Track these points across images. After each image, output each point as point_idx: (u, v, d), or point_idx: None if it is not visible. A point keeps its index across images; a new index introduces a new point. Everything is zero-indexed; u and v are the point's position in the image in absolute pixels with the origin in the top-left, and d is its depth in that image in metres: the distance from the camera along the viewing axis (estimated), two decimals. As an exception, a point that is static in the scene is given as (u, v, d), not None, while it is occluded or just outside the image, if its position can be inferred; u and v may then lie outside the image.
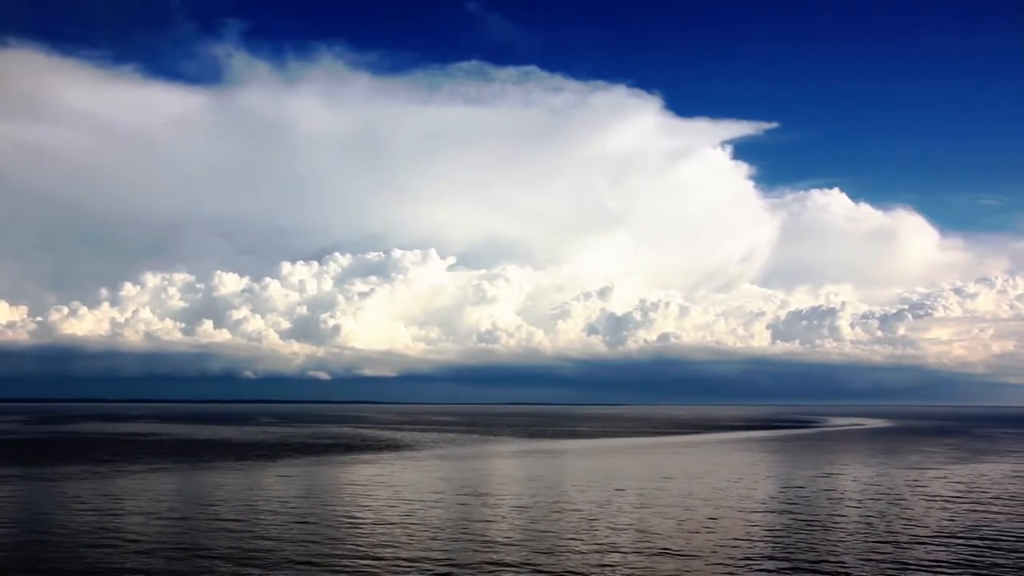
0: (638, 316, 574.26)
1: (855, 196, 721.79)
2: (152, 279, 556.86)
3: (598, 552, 28.71)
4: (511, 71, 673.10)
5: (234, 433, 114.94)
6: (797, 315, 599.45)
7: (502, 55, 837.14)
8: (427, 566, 26.42)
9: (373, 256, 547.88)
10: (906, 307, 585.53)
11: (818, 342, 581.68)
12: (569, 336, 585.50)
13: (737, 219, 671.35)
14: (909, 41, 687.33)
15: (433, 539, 31.02)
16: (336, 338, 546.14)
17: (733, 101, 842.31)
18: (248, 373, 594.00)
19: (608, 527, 33.73)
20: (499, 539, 30.96)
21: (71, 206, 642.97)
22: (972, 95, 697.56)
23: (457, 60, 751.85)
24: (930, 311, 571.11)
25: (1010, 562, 27.33)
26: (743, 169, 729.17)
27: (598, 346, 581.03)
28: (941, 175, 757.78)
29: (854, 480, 52.89)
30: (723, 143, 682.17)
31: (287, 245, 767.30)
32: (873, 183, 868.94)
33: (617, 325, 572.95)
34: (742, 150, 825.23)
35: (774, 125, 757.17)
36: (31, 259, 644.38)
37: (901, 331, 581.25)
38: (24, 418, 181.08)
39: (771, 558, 27.69)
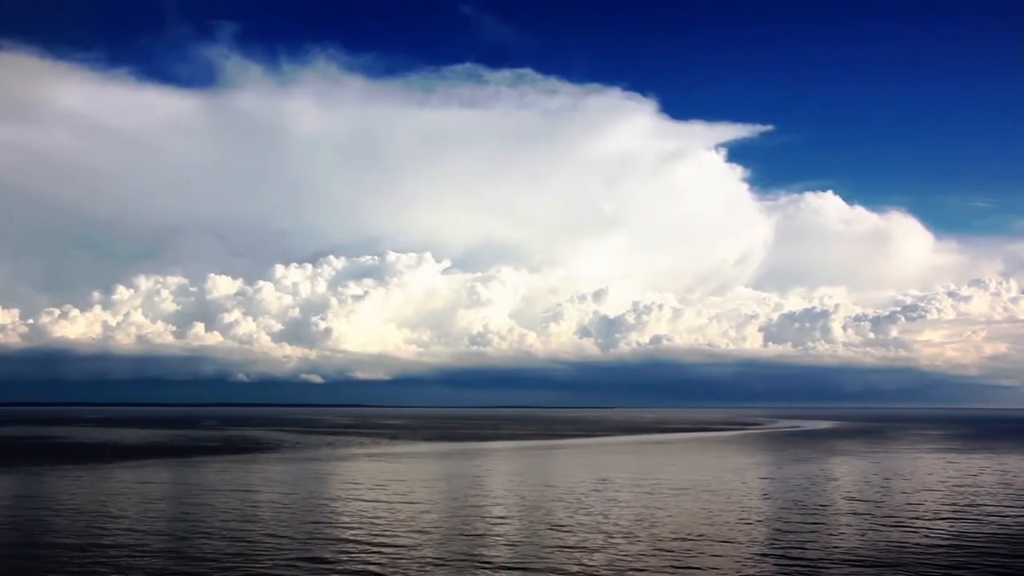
0: (631, 319, 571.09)
1: (849, 198, 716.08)
2: (145, 282, 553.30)
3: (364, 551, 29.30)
4: (506, 73, 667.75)
5: (126, 436, 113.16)
6: (790, 317, 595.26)
7: (496, 57, 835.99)
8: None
9: (367, 259, 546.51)
10: (899, 309, 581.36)
11: (810, 344, 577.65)
12: (561, 339, 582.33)
13: (731, 222, 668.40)
14: (903, 44, 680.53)
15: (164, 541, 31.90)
16: (328, 341, 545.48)
17: (728, 104, 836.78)
18: (241, 376, 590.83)
19: (385, 525, 34.58)
20: (248, 539, 30.63)
21: (64, 208, 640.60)
22: (965, 97, 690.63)
23: (451, 63, 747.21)
24: (923, 313, 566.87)
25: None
26: (737, 171, 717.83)
27: (590, 348, 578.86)
28: (935, 177, 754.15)
29: (670, 476, 54.37)
30: (718, 146, 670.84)
31: (281, 248, 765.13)
32: (867, 185, 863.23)
33: (609, 328, 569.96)
34: (736, 153, 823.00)
35: (768, 128, 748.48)
36: (23, 261, 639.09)
37: (894, 333, 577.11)
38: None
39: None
